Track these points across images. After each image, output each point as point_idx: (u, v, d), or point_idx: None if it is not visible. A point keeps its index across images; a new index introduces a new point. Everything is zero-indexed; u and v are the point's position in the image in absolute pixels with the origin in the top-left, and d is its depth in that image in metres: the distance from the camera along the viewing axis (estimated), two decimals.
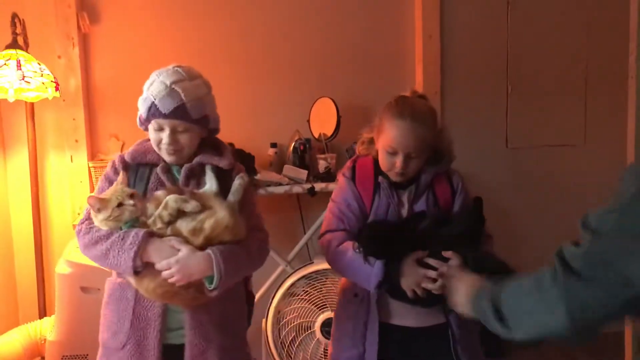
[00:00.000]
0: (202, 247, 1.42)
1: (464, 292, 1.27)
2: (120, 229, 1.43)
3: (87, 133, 2.74)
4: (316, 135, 2.78)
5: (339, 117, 2.70)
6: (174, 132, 1.50)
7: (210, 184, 1.53)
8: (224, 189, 1.53)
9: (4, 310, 2.64)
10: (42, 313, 2.60)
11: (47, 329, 2.43)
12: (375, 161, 1.69)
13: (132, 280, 1.45)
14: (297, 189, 2.62)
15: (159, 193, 1.47)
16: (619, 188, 0.92)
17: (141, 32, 2.81)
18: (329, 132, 2.73)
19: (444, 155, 1.69)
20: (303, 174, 2.66)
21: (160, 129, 1.51)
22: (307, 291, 2.44)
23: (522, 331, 1.03)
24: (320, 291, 2.43)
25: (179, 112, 1.47)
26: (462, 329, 1.65)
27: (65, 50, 2.68)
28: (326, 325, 2.41)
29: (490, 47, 3.08)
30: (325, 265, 2.45)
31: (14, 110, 2.64)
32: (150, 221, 1.43)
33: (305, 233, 2.80)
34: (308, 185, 2.62)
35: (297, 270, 2.51)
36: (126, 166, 1.56)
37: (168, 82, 1.48)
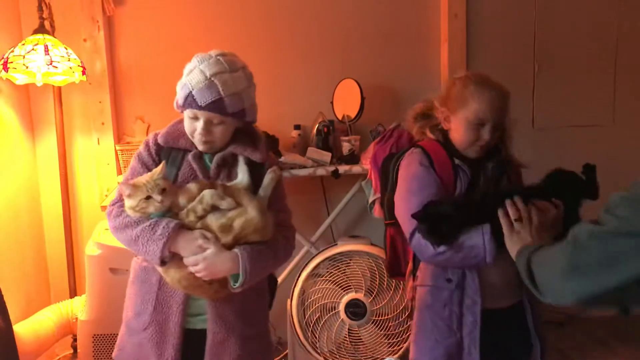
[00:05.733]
0: (230, 245, 1.42)
1: (517, 246, 1.34)
2: (149, 217, 1.43)
3: (113, 115, 2.78)
4: (340, 117, 2.77)
5: (362, 98, 2.69)
6: (208, 124, 1.47)
7: (242, 176, 1.51)
8: (255, 182, 1.51)
9: (36, 290, 2.71)
10: (73, 292, 2.67)
11: (78, 308, 2.49)
12: (444, 145, 1.65)
13: (158, 268, 1.47)
14: (320, 171, 2.62)
15: (191, 186, 1.45)
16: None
17: (165, 13, 2.81)
18: (353, 114, 2.72)
19: (509, 134, 1.70)
20: (327, 156, 2.66)
21: (195, 118, 1.48)
22: (331, 272, 2.45)
23: (549, 297, 1.07)
24: (344, 272, 2.44)
25: (215, 106, 1.44)
26: (534, 304, 1.66)
27: (91, 33, 2.70)
28: (350, 306, 2.42)
29: (517, 25, 3.02)
30: (348, 247, 2.46)
31: (42, 94, 2.69)
32: (182, 213, 1.42)
33: (329, 215, 2.81)
34: (332, 168, 2.62)
35: (322, 251, 2.52)
36: (159, 149, 1.55)
37: (208, 74, 1.43)
